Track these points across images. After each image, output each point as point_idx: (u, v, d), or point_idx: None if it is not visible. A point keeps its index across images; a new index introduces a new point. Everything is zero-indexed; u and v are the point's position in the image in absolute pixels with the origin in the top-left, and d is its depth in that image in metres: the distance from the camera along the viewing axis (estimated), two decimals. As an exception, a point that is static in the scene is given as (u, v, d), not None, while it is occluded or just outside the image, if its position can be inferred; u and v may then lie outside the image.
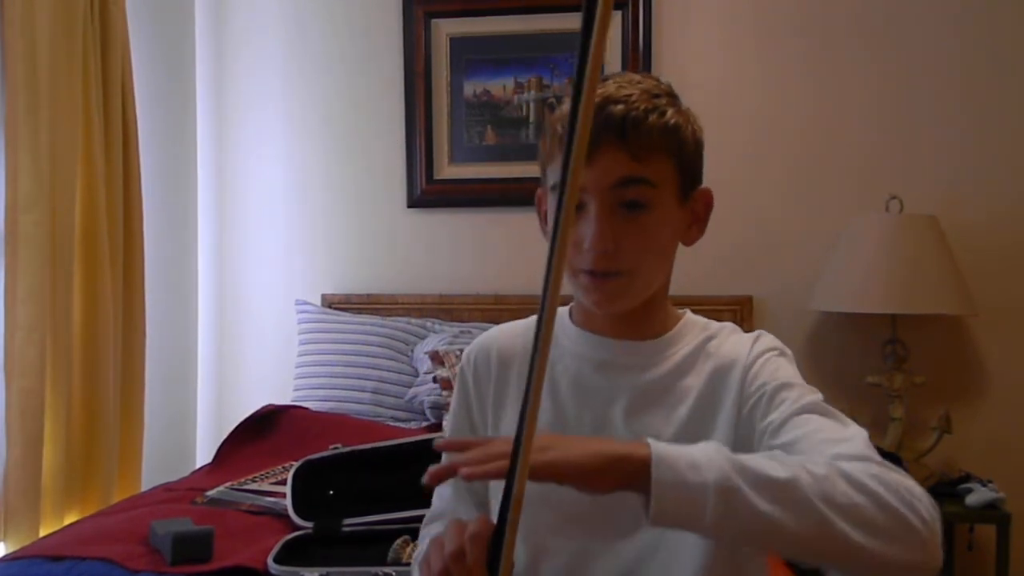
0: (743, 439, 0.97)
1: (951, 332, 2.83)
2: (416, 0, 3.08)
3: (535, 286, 2.81)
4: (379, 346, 2.88)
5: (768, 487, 0.76)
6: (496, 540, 0.78)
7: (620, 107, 0.95)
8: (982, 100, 2.82)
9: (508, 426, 1.07)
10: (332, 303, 3.15)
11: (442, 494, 1.16)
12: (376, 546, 1.74)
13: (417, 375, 2.81)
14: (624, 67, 2.96)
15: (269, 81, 3.24)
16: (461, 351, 2.69)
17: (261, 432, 2.49)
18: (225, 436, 2.52)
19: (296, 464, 2.04)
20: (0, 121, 2.29)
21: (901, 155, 2.86)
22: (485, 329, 3.14)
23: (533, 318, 1.13)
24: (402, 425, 2.69)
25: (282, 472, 2.18)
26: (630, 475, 0.77)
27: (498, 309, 2.99)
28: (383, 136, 3.16)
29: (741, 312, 2.87)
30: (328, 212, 3.21)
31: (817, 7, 2.90)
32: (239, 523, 1.91)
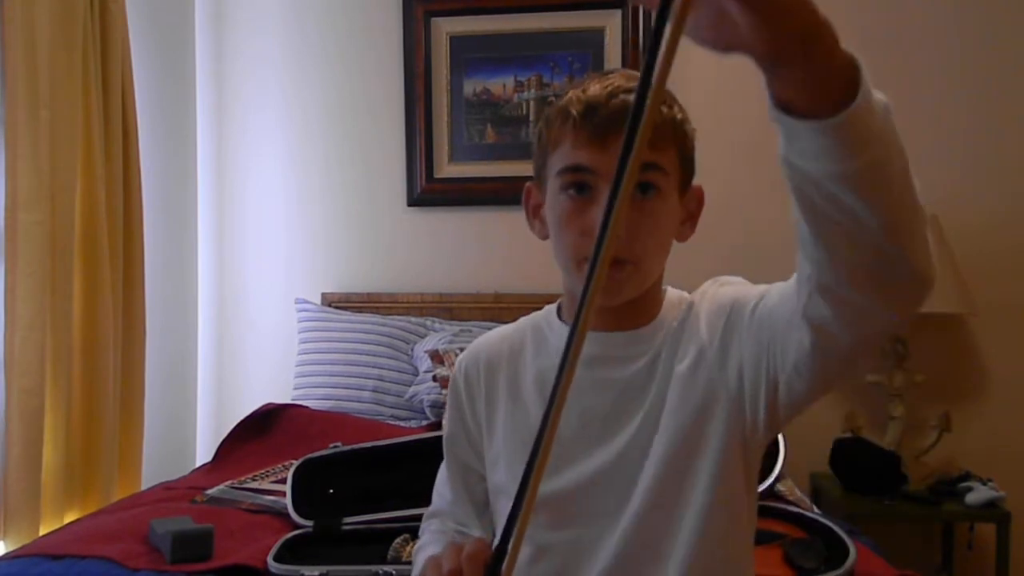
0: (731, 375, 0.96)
1: (951, 331, 2.83)
2: (416, -1, 3.08)
3: (535, 285, 2.85)
4: (379, 345, 2.88)
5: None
6: (496, 560, 0.78)
7: (633, 96, 0.95)
8: (982, 99, 2.82)
9: (500, 427, 1.08)
10: (332, 302, 3.15)
11: (442, 493, 1.16)
12: (376, 545, 1.74)
13: (417, 374, 2.81)
14: (624, 67, 2.96)
15: (269, 80, 3.24)
16: (461, 350, 2.70)
17: (261, 431, 2.49)
18: (225, 435, 2.52)
19: (296, 463, 2.04)
20: (0, 121, 2.29)
21: (901, 154, 2.85)
22: (485, 328, 3.16)
23: (520, 321, 1.14)
24: (402, 424, 2.69)
25: (282, 471, 2.18)
26: (829, 48, 0.70)
27: (498, 308, 2.99)
28: (383, 135, 3.16)
29: (741, 311, 2.87)
30: (328, 211, 3.21)
31: (816, 5, 2.89)
32: (239, 522, 1.91)
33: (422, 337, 2.90)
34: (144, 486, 2.64)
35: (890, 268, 0.72)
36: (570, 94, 0.99)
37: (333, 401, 2.80)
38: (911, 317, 0.77)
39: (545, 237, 1.04)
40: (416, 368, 2.83)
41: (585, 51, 3.01)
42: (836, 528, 1.80)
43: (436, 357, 2.71)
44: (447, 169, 3.11)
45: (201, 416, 3.29)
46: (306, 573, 1.60)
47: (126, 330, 2.67)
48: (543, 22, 3.03)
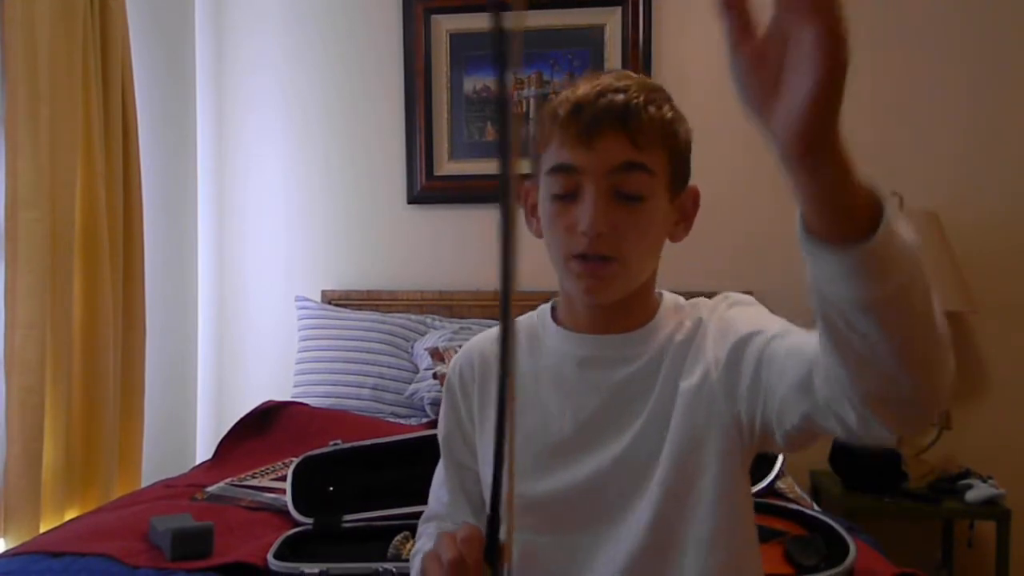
0: (726, 399, 0.96)
1: (951, 328, 2.80)
2: (416, -4, 3.08)
3: (534, 282, 2.84)
4: (379, 342, 2.88)
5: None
6: (490, 538, 0.78)
7: (621, 96, 0.96)
8: (983, 97, 2.81)
9: (492, 426, 1.06)
10: (332, 299, 3.15)
11: (439, 496, 1.16)
12: (376, 542, 1.74)
13: (417, 371, 2.81)
14: (624, 65, 2.95)
15: (268, 78, 3.23)
16: (461, 347, 2.70)
17: (261, 428, 2.49)
18: (225, 432, 2.52)
19: (296, 460, 2.04)
20: (0, 119, 2.29)
21: (901, 151, 2.85)
22: (485, 325, 3.16)
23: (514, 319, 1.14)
24: (402, 421, 2.69)
25: (282, 468, 2.18)
26: (852, 187, 0.70)
27: (497, 305, 2.98)
28: (383, 132, 3.16)
29: (741, 308, 2.87)
30: (328, 208, 3.21)
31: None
32: (239, 519, 1.91)
33: (422, 335, 2.90)
34: (144, 483, 2.65)
35: (901, 398, 0.73)
36: (561, 94, 1.00)
37: (333, 399, 2.80)
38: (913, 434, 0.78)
39: (540, 235, 1.05)
40: (416, 366, 2.83)
41: (585, 48, 3.01)
42: (836, 525, 1.80)
43: (436, 354, 2.71)
44: (447, 166, 3.11)
45: (201, 413, 3.29)
46: (306, 571, 1.60)
47: (126, 327, 2.68)
48: (543, 20, 3.02)
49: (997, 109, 2.81)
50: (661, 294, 1.09)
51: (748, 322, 0.98)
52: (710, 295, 3.09)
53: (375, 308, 3.08)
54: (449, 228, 3.14)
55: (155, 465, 2.82)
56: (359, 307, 3.09)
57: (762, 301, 3.22)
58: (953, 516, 2.60)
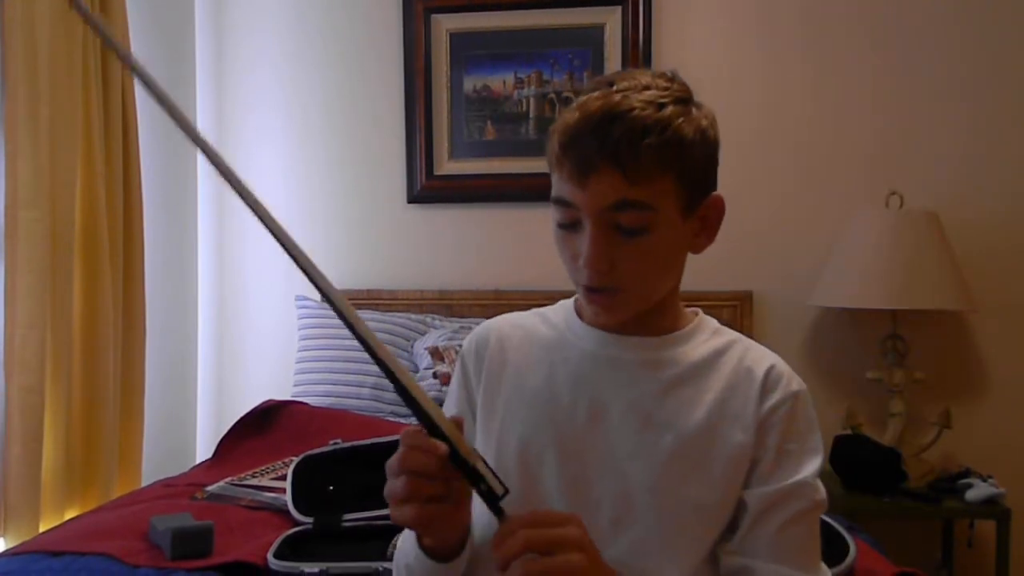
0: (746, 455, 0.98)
1: (951, 328, 2.83)
2: (416, -4, 3.08)
3: (535, 282, 2.84)
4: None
5: None
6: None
7: (617, 127, 0.91)
8: (983, 96, 2.81)
9: (503, 403, 1.06)
10: (332, 299, 3.14)
11: None
12: (376, 541, 1.74)
13: (417, 370, 2.81)
14: (624, 64, 2.95)
15: (269, 78, 3.23)
16: (461, 347, 2.70)
17: (261, 427, 2.49)
18: (225, 431, 2.52)
19: (296, 459, 2.04)
20: (0, 118, 2.29)
21: (902, 151, 2.85)
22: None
23: (533, 310, 1.14)
24: (402, 421, 2.68)
25: (282, 467, 2.18)
26: None
27: (498, 305, 2.99)
28: (383, 132, 3.16)
29: (741, 308, 2.87)
30: (328, 208, 3.21)
31: (818, 3, 2.89)
32: (239, 518, 1.91)
33: (422, 334, 2.90)
34: (144, 483, 2.65)
35: None
36: (565, 113, 0.97)
37: (333, 398, 2.80)
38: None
39: None
40: (416, 365, 2.83)
41: (585, 48, 3.01)
42: (836, 525, 1.80)
43: (436, 354, 2.71)
44: (447, 166, 3.11)
45: (201, 413, 3.29)
46: (306, 570, 1.60)
47: (126, 327, 2.68)
48: (543, 19, 3.02)
49: (997, 109, 2.81)
50: (698, 312, 1.09)
51: (811, 464, 0.99)
52: (710, 295, 3.10)
53: (375, 307, 3.08)
54: (449, 228, 3.14)
55: (155, 465, 2.82)
56: (359, 306, 3.09)
57: (762, 301, 3.21)
58: (953, 516, 2.59)
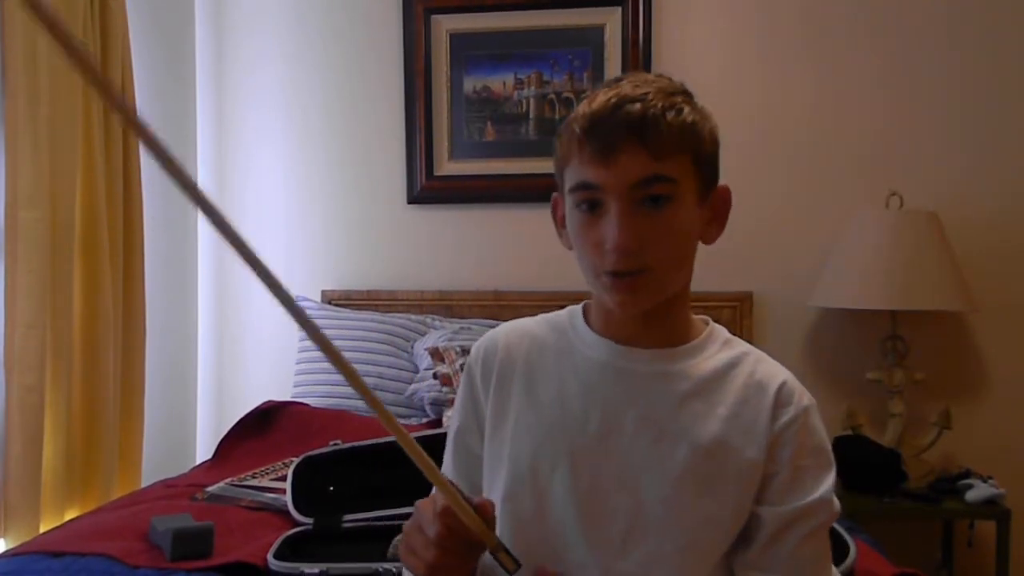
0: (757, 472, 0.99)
1: (951, 328, 2.83)
2: (416, -4, 3.08)
3: (535, 282, 2.83)
4: (379, 342, 2.88)
5: None
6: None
7: (638, 106, 0.93)
8: (983, 96, 2.81)
9: (513, 415, 1.05)
10: (332, 299, 3.15)
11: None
12: (376, 542, 1.74)
13: (417, 371, 2.81)
14: (624, 65, 2.95)
15: (269, 78, 3.23)
16: (461, 347, 2.71)
17: (261, 428, 2.49)
18: (225, 432, 2.52)
19: (296, 460, 2.04)
20: (0, 118, 2.29)
21: (902, 151, 2.85)
22: (485, 325, 3.15)
23: (540, 316, 1.13)
24: (402, 421, 2.67)
25: (282, 468, 2.18)
26: None
27: (498, 305, 2.99)
28: (383, 132, 3.16)
29: (741, 309, 2.87)
30: (328, 208, 3.21)
31: (818, 3, 2.90)
32: (239, 519, 1.91)
33: (422, 335, 2.90)
34: (144, 483, 2.65)
35: None
36: (579, 107, 0.98)
37: (333, 398, 2.80)
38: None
39: (571, 248, 1.03)
40: (416, 366, 2.83)
41: (585, 48, 3.01)
42: (836, 525, 1.80)
43: (436, 354, 2.71)
44: (447, 167, 3.11)
45: (201, 413, 3.29)
46: (306, 571, 1.60)
47: (126, 327, 2.68)
48: (543, 19, 3.02)
49: (997, 109, 2.81)
50: (708, 321, 1.08)
51: (823, 485, 0.99)
52: (710, 295, 3.10)
53: (375, 308, 3.08)
54: (449, 228, 3.14)
55: (155, 465, 2.82)
56: (359, 307, 3.09)
57: (762, 302, 3.21)
58: (953, 516, 2.59)
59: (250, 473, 2.19)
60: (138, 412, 2.73)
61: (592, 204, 0.96)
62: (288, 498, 1.94)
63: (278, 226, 3.24)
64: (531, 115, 3.05)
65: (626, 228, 0.94)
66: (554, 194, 1.07)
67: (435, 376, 2.68)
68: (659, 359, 1.02)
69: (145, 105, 2.83)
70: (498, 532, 0.98)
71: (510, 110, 3.07)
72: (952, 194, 2.80)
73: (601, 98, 0.96)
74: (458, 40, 3.09)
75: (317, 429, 2.39)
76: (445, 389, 2.62)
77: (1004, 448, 2.78)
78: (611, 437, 1.00)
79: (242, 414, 2.54)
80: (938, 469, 2.66)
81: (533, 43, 3.04)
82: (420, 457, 0.83)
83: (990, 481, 2.50)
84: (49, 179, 2.33)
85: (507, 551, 0.89)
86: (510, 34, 3.05)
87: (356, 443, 2.08)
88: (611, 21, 2.99)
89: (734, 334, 1.10)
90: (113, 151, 2.62)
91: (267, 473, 2.19)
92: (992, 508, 2.45)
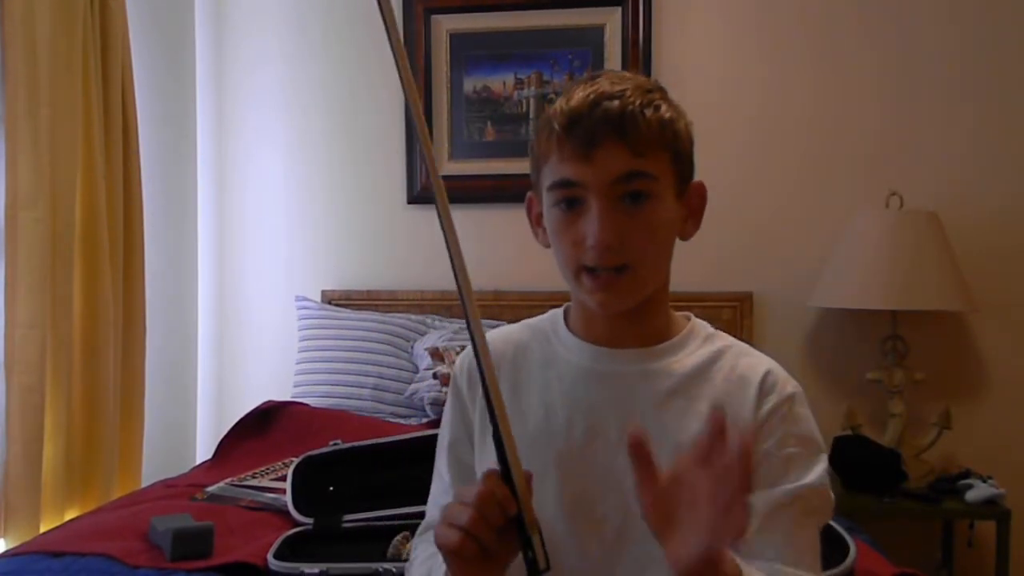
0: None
1: (951, 328, 2.83)
2: (416, -4, 3.08)
3: (535, 283, 2.84)
4: (379, 342, 2.88)
5: None
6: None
7: (616, 102, 0.94)
8: (983, 96, 2.81)
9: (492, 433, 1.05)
10: (332, 299, 3.15)
11: (441, 505, 1.12)
12: (376, 542, 1.74)
13: (417, 371, 2.81)
14: (624, 65, 2.95)
15: (269, 78, 3.23)
16: (461, 347, 2.70)
17: (261, 428, 2.49)
18: (225, 432, 2.52)
19: (296, 460, 2.04)
20: (0, 118, 2.29)
21: (902, 151, 2.85)
22: (485, 325, 3.13)
23: (523, 324, 1.13)
24: (402, 421, 2.69)
25: (282, 468, 2.18)
26: None
27: (498, 305, 2.99)
28: (383, 132, 3.16)
29: (741, 309, 2.87)
30: (328, 208, 3.21)
31: (818, 3, 2.89)
32: (239, 519, 1.91)
33: (422, 335, 2.90)
34: (144, 483, 2.65)
35: None
36: (556, 104, 0.98)
37: (333, 398, 2.80)
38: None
39: (548, 246, 1.04)
40: (416, 366, 2.83)
41: (585, 48, 3.01)
42: (836, 526, 1.80)
43: (436, 354, 2.71)
44: (447, 167, 3.11)
45: (201, 413, 3.29)
46: (306, 571, 1.60)
47: (126, 327, 2.68)
48: (543, 19, 3.02)
49: (997, 109, 2.81)
50: (689, 317, 1.08)
51: (809, 472, 0.99)
52: (710, 296, 3.10)
53: (375, 308, 3.08)
54: (449, 228, 3.13)
55: (155, 465, 2.82)
56: (359, 307, 3.09)
57: (762, 302, 3.21)
58: (953, 516, 2.59)
59: (250, 473, 2.19)
60: (138, 412, 2.73)
61: (571, 201, 0.97)
62: (288, 498, 1.94)
63: (278, 226, 3.24)
64: (531, 115, 3.05)
65: (607, 224, 0.94)
66: (528, 192, 1.07)
67: (435, 376, 2.68)
68: (640, 358, 1.02)
69: (145, 105, 2.83)
70: None
71: (510, 110, 3.07)
72: (952, 194, 2.80)
73: (579, 94, 0.96)
74: (458, 40, 3.09)
75: (317, 429, 2.39)
76: (445, 389, 2.62)
77: (1004, 448, 2.78)
78: (596, 443, 1.00)
79: (242, 414, 2.54)
80: (938, 469, 2.66)
81: (533, 43, 3.04)
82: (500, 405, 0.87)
83: (990, 481, 2.50)
84: (49, 179, 2.33)
85: (543, 544, 0.85)
86: (510, 34, 3.05)
87: (356, 443, 2.08)
88: (611, 21, 2.98)
89: (734, 334, 1.09)
90: (113, 151, 2.62)
91: (267, 473, 2.19)
92: (992, 508, 2.45)
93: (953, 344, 2.84)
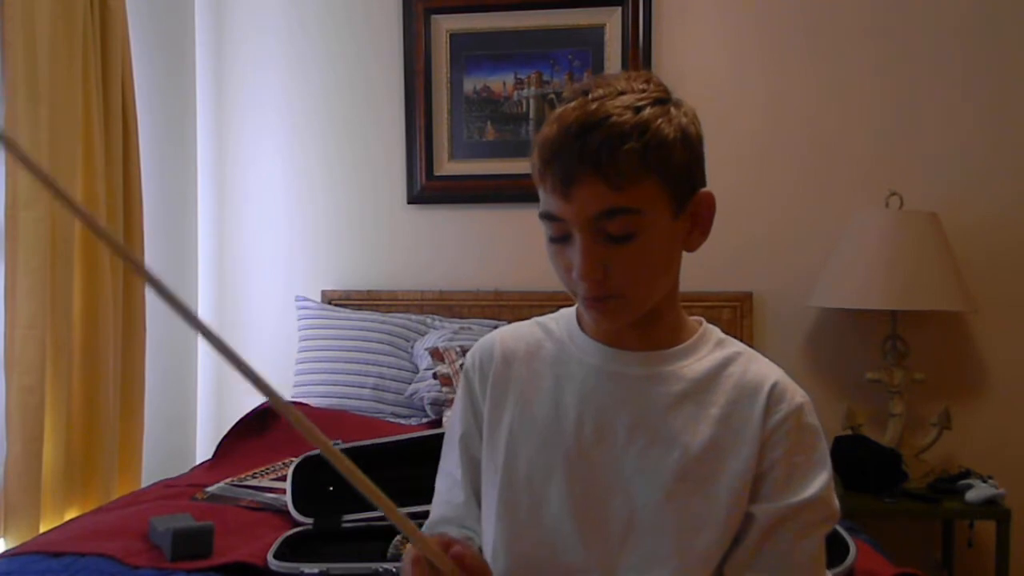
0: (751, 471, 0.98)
1: (951, 328, 2.83)
2: (416, -4, 3.08)
3: (535, 283, 2.83)
4: (379, 342, 2.88)
5: None
6: None
7: (595, 135, 0.90)
8: (983, 97, 2.81)
9: (508, 422, 1.05)
10: (332, 299, 3.15)
11: (452, 499, 1.12)
12: (376, 542, 1.74)
13: (417, 371, 2.81)
14: (624, 65, 2.95)
15: (269, 78, 3.23)
16: (461, 347, 2.71)
17: (261, 428, 2.49)
18: (225, 432, 2.52)
19: (296, 460, 2.04)
20: (0, 119, 2.29)
21: (902, 151, 2.85)
22: (485, 325, 3.15)
23: (535, 319, 1.13)
24: (402, 421, 2.69)
25: (282, 468, 2.18)
26: None
27: (498, 305, 2.99)
28: (383, 132, 3.16)
29: (741, 309, 2.87)
30: (328, 208, 3.21)
31: (818, 3, 2.89)
32: (239, 519, 1.91)
33: (422, 335, 2.90)
34: (144, 483, 2.65)
35: None
36: (543, 129, 0.96)
37: (333, 398, 2.80)
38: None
39: None
40: (416, 366, 2.83)
41: (585, 48, 3.01)
42: (836, 526, 1.80)
43: (436, 354, 2.71)
44: (447, 167, 3.11)
45: (201, 413, 3.29)
46: (306, 571, 1.60)
47: (126, 327, 2.68)
48: (543, 19, 3.02)
49: (997, 109, 2.81)
50: (701, 322, 1.07)
51: (818, 486, 0.98)
52: (710, 296, 3.10)
53: (375, 308, 3.08)
54: (449, 228, 3.14)
55: (155, 465, 2.82)
56: (359, 307, 3.09)
57: (762, 302, 3.21)
58: (953, 516, 2.60)
59: (250, 473, 2.19)
60: (138, 412, 2.73)
61: (558, 232, 0.96)
62: (288, 498, 1.94)
63: (278, 226, 3.24)
64: (531, 115, 3.05)
65: (589, 260, 0.93)
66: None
67: (435, 376, 2.68)
68: (651, 362, 1.02)
69: (145, 105, 2.83)
70: (494, 535, 0.98)
71: (510, 110, 3.07)
72: (952, 194, 2.80)
73: (559, 125, 0.93)
74: (458, 40, 3.09)
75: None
76: (445, 389, 2.62)
77: (1004, 448, 2.78)
78: (604, 444, 1.00)
79: (242, 414, 2.54)
80: (938, 469, 2.66)
81: (533, 43, 3.04)
82: (404, 523, 0.91)
83: (990, 481, 2.50)
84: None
85: None
86: (510, 34, 3.05)
87: (356, 443, 2.08)
88: (611, 21, 2.99)
89: (734, 334, 1.09)
90: (113, 151, 2.62)
91: (267, 473, 2.19)
92: (992, 508, 2.45)
93: (953, 344, 2.84)
